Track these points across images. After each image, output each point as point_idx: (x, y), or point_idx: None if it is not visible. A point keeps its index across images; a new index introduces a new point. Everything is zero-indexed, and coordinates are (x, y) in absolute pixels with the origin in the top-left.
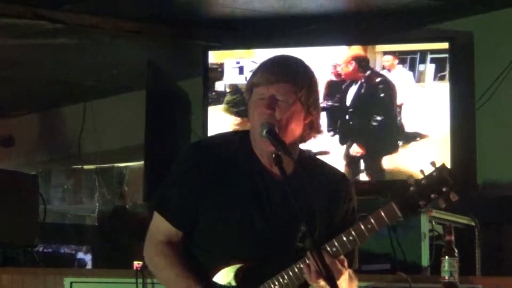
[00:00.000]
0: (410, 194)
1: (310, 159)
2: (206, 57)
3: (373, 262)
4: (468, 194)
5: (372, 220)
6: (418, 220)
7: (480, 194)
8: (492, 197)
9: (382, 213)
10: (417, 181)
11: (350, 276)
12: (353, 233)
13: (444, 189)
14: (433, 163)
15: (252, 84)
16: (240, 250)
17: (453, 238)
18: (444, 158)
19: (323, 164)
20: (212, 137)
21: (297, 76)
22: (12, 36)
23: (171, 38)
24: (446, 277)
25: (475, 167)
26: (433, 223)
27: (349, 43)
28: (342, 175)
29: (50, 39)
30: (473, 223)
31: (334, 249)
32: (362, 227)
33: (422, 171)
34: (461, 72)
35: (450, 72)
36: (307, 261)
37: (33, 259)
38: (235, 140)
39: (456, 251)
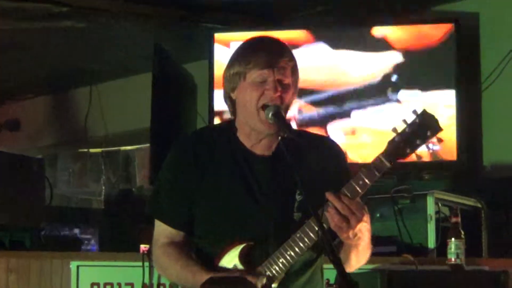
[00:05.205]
0: (396, 144)
1: (296, 132)
2: (212, 39)
3: (378, 244)
4: (474, 175)
5: (363, 176)
6: (424, 202)
7: (486, 176)
8: (499, 178)
9: (374, 169)
10: (402, 130)
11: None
12: (345, 192)
13: (428, 133)
14: (415, 111)
15: (244, 67)
16: (238, 231)
17: (459, 220)
18: (451, 139)
19: (313, 136)
20: (195, 131)
21: (292, 56)
22: (17, 19)
23: (178, 21)
24: (453, 259)
25: (482, 148)
26: (439, 205)
27: (354, 24)
28: (328, 139)
29: (56, 22)
30: (479, 205)
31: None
32: (354, 184)
33: (404, 121)
34: (467, 53)
35: (456, 54)
36: (328, 209)
37: (40, 242)
38: (217, 130)
39: (463, 233)
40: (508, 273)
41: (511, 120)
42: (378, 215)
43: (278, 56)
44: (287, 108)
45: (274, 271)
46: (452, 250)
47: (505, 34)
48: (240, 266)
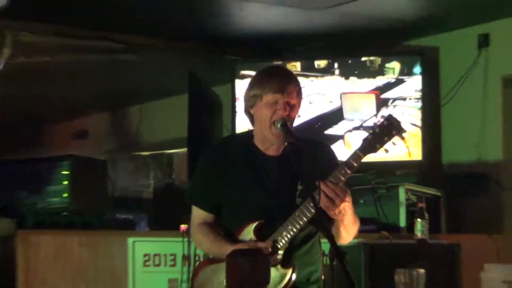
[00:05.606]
0: (369, 141)
1: (299, 137)
2: (234, 68)
3: (362, 224)
4: (436, 171)
5: (344, 166)
6: (397, 192)
7: (444, 172)
8: (454, 174)
9: (352, 161)
10: (373, 131)
11: (354, 212)
12: (331, 179)
13: (394, 133)
14: (383, 116)
15: (261, 90)
16: (253, 214)
17: (424, 205)
18: (417, 144)
19: (310, 140)
20: (221, 139)
21: (297, 83)
22: (85, 53)
23: (207, 54)
24: (419, 235)
25: (441, 151)
26: (409, 194)
27: (341, 57)
28: (325, 145)
29: (114, 55)
30: (439, 194)
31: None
32: (338, 173)
33: (375, 123)
34: (430, 78)
35: (422, 78)
36: (317, 196)
37: (104, 224)
38: (238, 138)
39: (427, 215)
40: (460, 245)
41: (464, 129)
42: (362, 201)
43: (287, 83)
44: (292, 121)
45: (279, 242)
46: (418, 228)
47: (459, 63)
48: (254, 239)
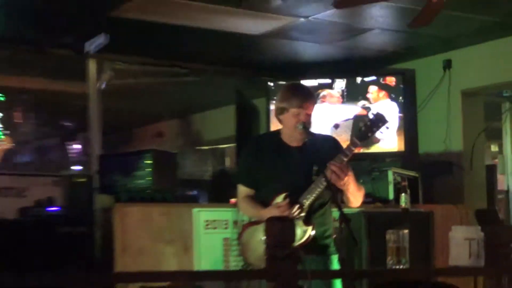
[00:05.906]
0: (363, 131)
1: (314, 134)
2: (267, 86)
3: None
4: (414, 159)
5: (345, 150)
6: (386, 174)
7: (421, 159)
8: (428, 161)
9: (351, 146)
10: (365, 123)
11: (357, 181)
12: (337, 159)
13: (380, 124)
14: (372, 112)
15: (288, 105)
16: (282, 188)
17: (406, 183)
18: (400, 139)
19: (322, 135)
20: (258, 135)
21: (314, 97)
22: (159, 77)
23: (248, 76)
24: (403, 205)
25: (417, 145)
26: (395, 175)
27: (342, 76)
28: (332, 138)
29: (181, 78)
30: (417, 175)
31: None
32: (341, 155)
33: (367, 116)
34: (409, 91)
35: (403, 92)
36: (327, 173)
37: (176, 198)
38: (270, 134)
39: (408, 190)
40: (433, 213)
41: (434, 129)
42: (361, 181)
43: (307, 99)
44: (310, 123)
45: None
46: (403, 200)
47: (430, 81)
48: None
